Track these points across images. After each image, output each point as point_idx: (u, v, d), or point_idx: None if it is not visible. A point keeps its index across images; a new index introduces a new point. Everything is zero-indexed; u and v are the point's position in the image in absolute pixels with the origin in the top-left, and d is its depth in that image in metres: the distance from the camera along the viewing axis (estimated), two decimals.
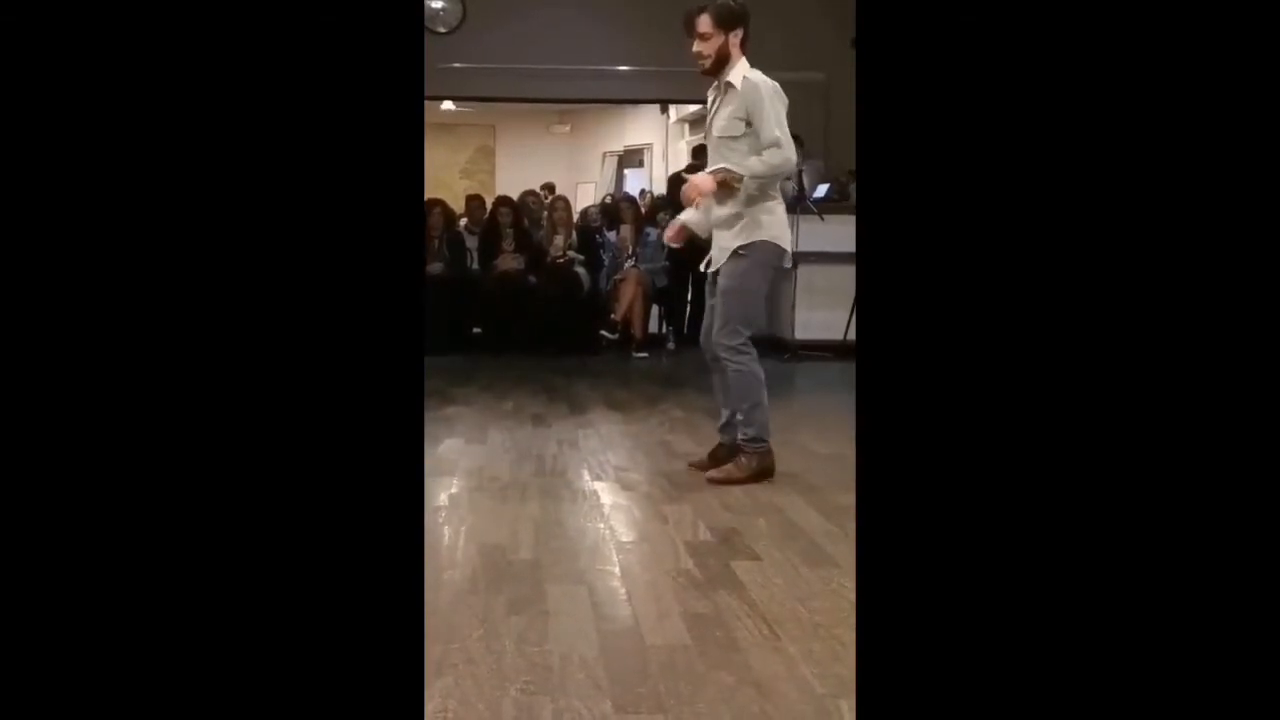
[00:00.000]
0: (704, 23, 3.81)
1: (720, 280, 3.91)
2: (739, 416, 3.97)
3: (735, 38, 3.82)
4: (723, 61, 3.83)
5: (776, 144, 3.72)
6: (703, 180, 3.85)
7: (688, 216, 4.10)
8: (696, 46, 3.84)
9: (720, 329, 3.91)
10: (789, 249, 3.97)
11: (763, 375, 3.95)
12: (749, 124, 3.76)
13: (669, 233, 4.20)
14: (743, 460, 3.97)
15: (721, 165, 3.80)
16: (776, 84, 3.80)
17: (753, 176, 3.76)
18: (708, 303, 4.08)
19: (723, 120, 3.84)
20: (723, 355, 3.90)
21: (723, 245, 3.90)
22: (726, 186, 3.80)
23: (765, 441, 3.97)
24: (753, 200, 3.83)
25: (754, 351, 3.94)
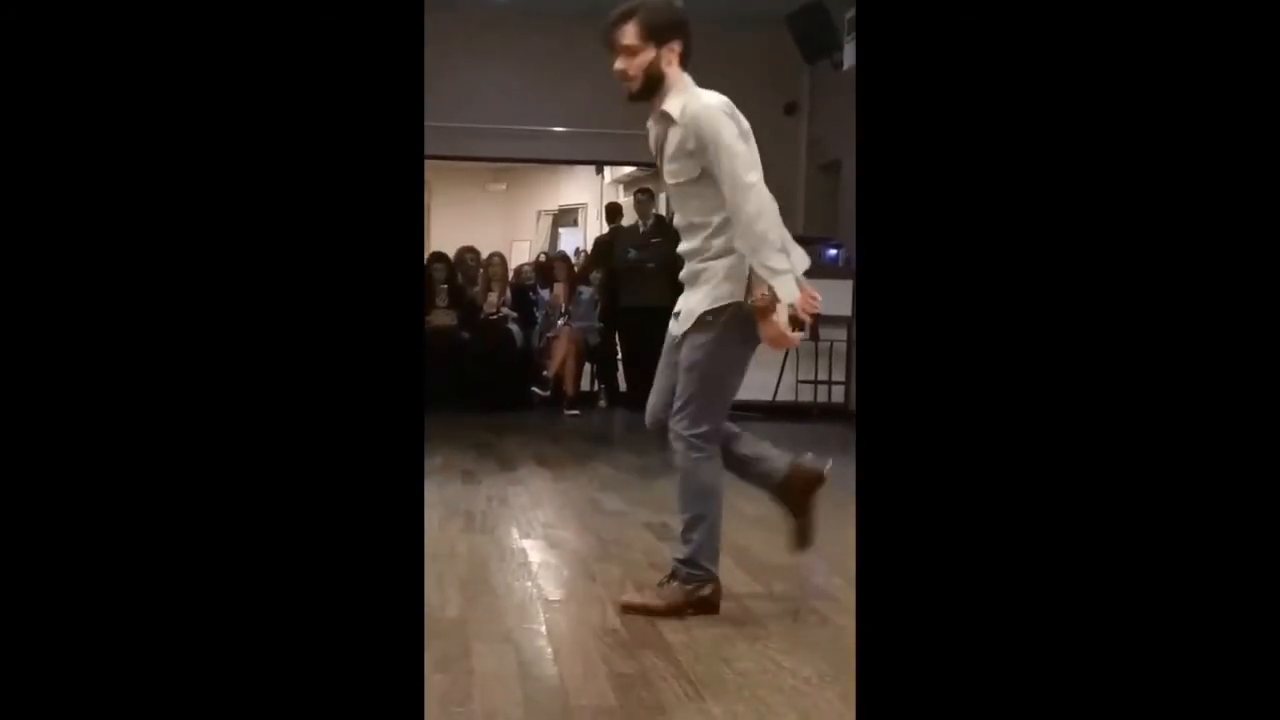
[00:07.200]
0: (628, 33, 2.89)
1: (683, 351, 3.01)
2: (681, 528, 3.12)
3: (670, 53, 2.92)
4: (654, 83, 2.93)
5: (743, 186, 2.81)
6: (778, 327, 2.83)
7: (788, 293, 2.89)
8: (619, 64, 2.92)
9: (676, 411, 3.03)
10: None
11: (719, 484, 3.08)
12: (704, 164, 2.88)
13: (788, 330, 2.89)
14: (672, 586, 3.09)
15: (754, 295, 2.84)
16: (725, 100, 2.93)
17: (766, 268, 2.80)
18: (662, 366, 3.17)
19: (672, 165, 2.96)
20: (672, 443, 3.06)
21: (689, 306, 3.00)
22: (770, 308, 2.82)
23: (705, 570, 3.08)
24: (723, 251, 2.93)
25: (713, 450, 3.05)
